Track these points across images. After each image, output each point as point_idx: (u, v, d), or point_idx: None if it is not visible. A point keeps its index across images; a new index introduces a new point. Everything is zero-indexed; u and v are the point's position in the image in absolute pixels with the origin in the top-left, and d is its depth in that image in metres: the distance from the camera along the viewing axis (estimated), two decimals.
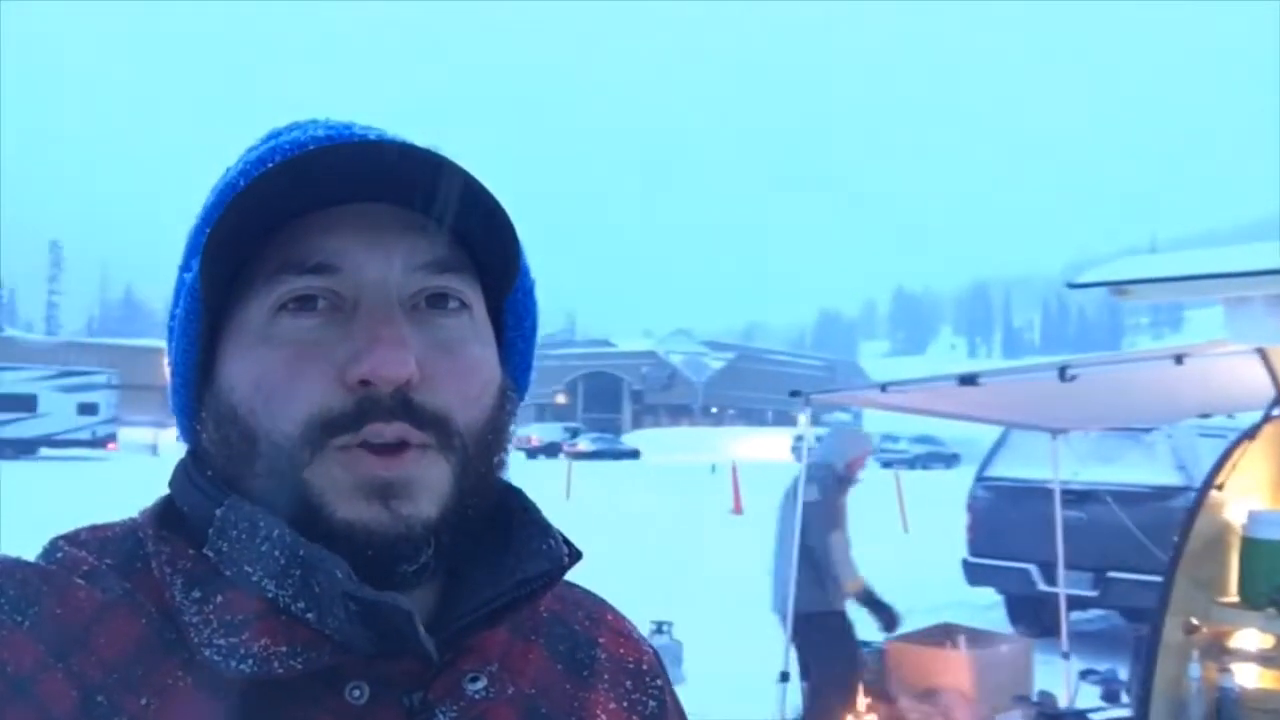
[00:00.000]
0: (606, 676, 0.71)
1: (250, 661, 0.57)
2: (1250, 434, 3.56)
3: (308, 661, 0.58)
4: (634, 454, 47.89)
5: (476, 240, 0.65)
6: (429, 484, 0.61)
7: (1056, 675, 5.92)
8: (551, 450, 47.26)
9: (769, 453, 41.49)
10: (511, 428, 0.68)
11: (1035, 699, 5.28)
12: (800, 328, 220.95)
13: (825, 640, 4.82)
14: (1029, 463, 8.32)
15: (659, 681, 0.75)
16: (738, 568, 11.10)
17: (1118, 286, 3.00)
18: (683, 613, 7.67)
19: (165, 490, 0.68)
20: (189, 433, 0.68)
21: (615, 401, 74.55)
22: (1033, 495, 7.81)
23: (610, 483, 26.60)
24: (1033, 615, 8.57)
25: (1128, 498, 7.76)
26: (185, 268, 0.66)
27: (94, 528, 0.66)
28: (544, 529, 0.67)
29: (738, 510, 18.75)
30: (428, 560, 0.62)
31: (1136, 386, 4.71)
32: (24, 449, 30.97)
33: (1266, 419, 3.58)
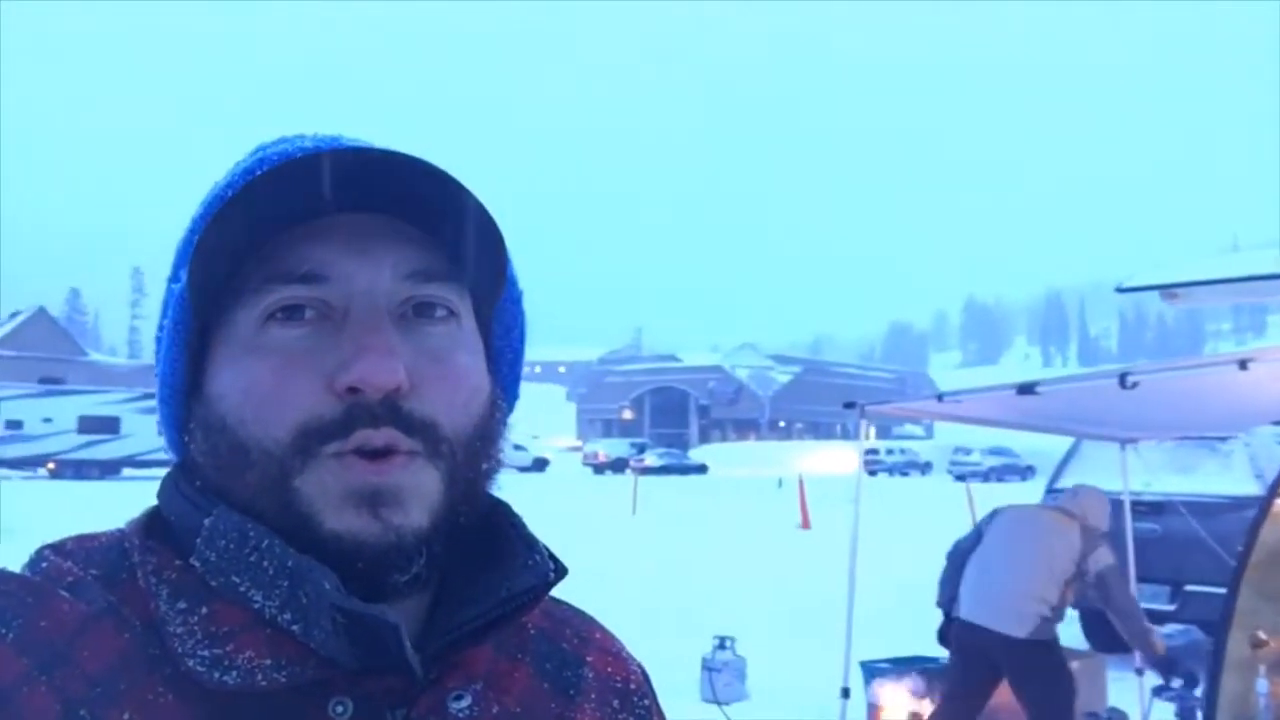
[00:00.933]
0: (594, 696, 0.70)
1: (234, 673, 0.57)
2: None
3: (292, 675, 0.58)
4: (701, 469, 47.76)
5: (465, 249, 0.65)
6: (419, 492, 0.61)
7: (1130, 691, 5.77)
8: (618, 466, 47.34)
9: (837, 467, 41.04)
10: (501, 437, 0.67)
11: (1106, 715, 5.15)
12: (870, 340, 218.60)
13: (1053, 665, 4.76)
14: (1101, 474, 8.10)
15: (646, 701, 0.74)
16: (805, 583, 10.99)
17: (1167, 290, 2.94)
18: (748, 628, 7.63)
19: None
20: (177, 444, 0.68)
21: (682, 416, 74.51)
22: None
23: (677, 498, 26.54)
24: (1107, 630, 8.38)
25: (1205, 509, 7.53)
26: (174, 278, 0.66)
27: (80, 537, 0.66)
28: (530, 544, 0.66)
29: (805, 525, 18.59)
30: (420, 570, 0.61)
31: (1204, 393, 4.58)
32: (108, 469, 31.94)
33: None
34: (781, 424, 73.84)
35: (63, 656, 0.57)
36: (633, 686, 0.74)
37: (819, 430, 72.61)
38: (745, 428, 73.28)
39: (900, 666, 5.79)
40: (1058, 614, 4.64)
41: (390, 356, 0.60)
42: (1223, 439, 7.99)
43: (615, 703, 0.71)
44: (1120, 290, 3.11)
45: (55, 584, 0.61)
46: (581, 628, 0.76)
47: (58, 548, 0.64)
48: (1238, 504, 7.63)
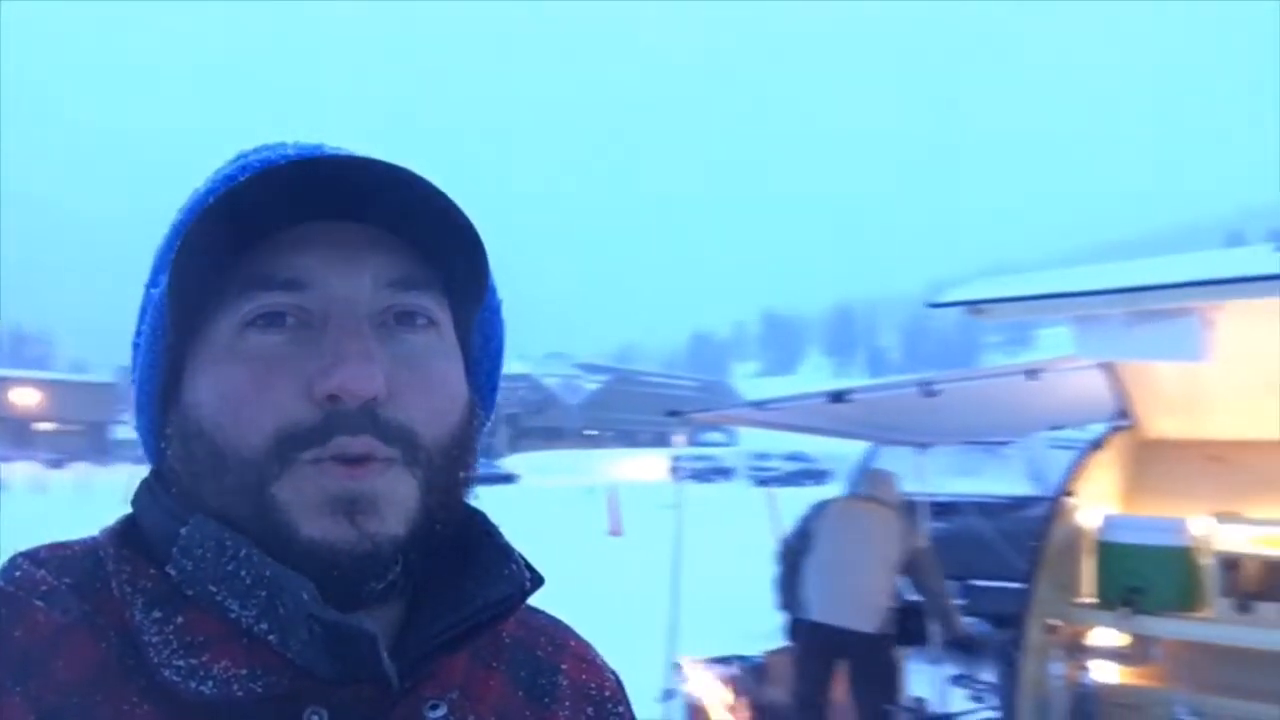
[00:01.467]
0: (568, 703, 0.71)
1: (210, 683, 0.57)
2: (1098, 444, 3.80)
3: (268, 685, 0.58)
4: (510, 478, 47.43)
5: (445, 258, 0.65)
6: (396, 499, 0.61)
7: (928, 681, 6.14)
8: None
9: (646, 474, 41.69)
10: (477, 446, 0.68)
11: (908, 705, 5.47)
12: (673, 349, 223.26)
13: (892, 658, 4.95)
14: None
15: (621, 709, 0.75)
16: (619, 588, 11.11)
17: (975, 306, 3.18)
18: None
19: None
20: (153, 451, 0.67)
21: (490, 425, 73.79)
22: None
23: (488, 507, 26.16)
24: (905, 622, 8.87)
25: (988, 509, 8.12)
26: (152, 283, 0.65)
27: (53, 545, 0.65)
28: (506, 553, 0.67)
29: (618, 532, 18.78)
30: (396, 578, 0.61)
31: (994, 401, 4.97)
32: None
33: (1113, 430, 3.82)
34: (592, 432, 74.37)
35: (38, 666, 0.57)
36: (607, 694, 0.74)
37: (628, 438, 73.52)
38: (555, 436, 73.32)
39: (717, 665, 5.95)
40: (895, 604, 4.93)
41: (369, 364, 0.60)
42: (1002, 443, 8.64)
43: (590, 710, 0.72)
44: (931, 306, 3.33)
45: (30, 593, 0.60)
46: (557, 635, 0.76)
47: (31, 556, 0.63)
48: (1017, 503, 8.29)
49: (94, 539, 0.66)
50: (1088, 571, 3.63)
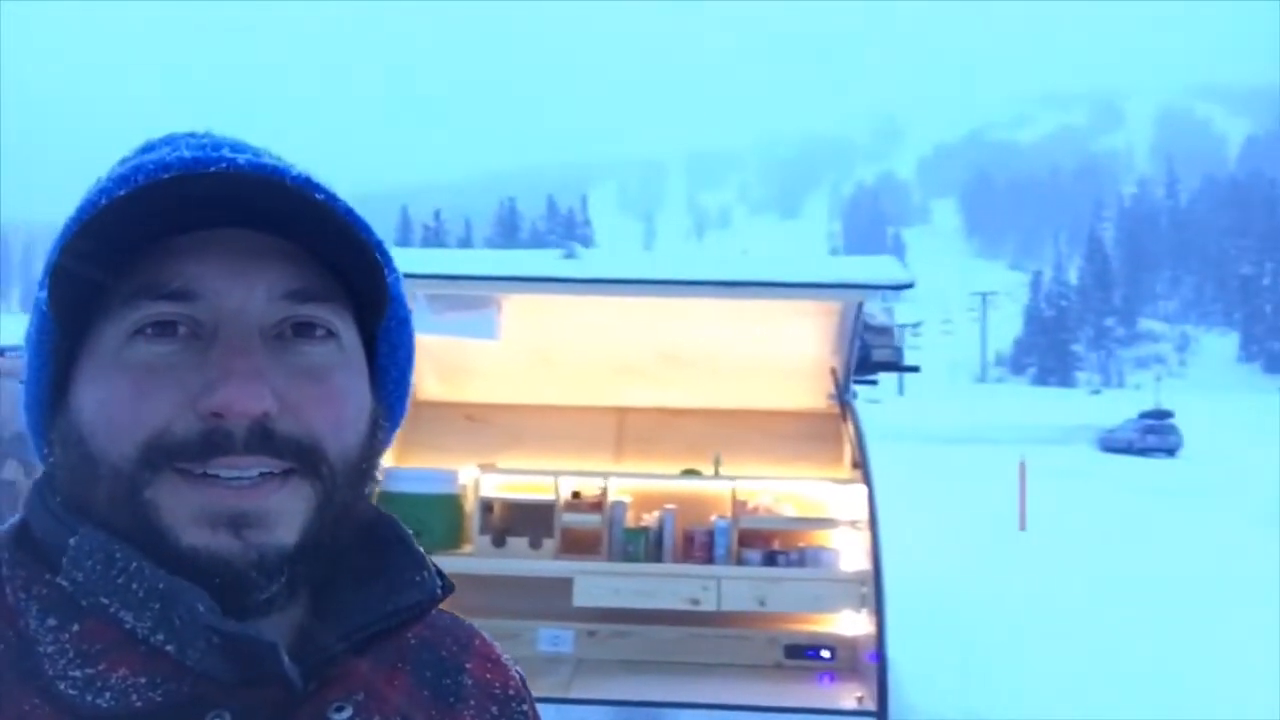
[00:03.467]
0: (473, 702, 0.72)
1: (108, 694, 0.56)
2: None
3: (168, 693, 0.57)
4: None
5: (347, 269, 0.64)
6: (287, 512, 0.60)
7: None
8: None
9: None
10: (381, 456, 0.68)
11: None
12: None
13: None
14: None
15: (525, 706, 0.76)
16: None
17: None
18: None
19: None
20: (42, 456, 0.64)
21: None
22: None
23: None
24: None
25: None
26: (41, 285, 0.61)
27: None
28: (418, 561, 0.67)
29: None
30: (280, 590, 0.61)
31: None
32: None
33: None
34: None
35: None
36: (511, 692, 0.76)
37: None
38: None
39: None
40: None
41: (255, 381, 0.59)
42: None
43: (494, 709, 0.74)
44: None
45: None
46: (461, 636, 0.77)
47: None
48: None
49: None
50: None
